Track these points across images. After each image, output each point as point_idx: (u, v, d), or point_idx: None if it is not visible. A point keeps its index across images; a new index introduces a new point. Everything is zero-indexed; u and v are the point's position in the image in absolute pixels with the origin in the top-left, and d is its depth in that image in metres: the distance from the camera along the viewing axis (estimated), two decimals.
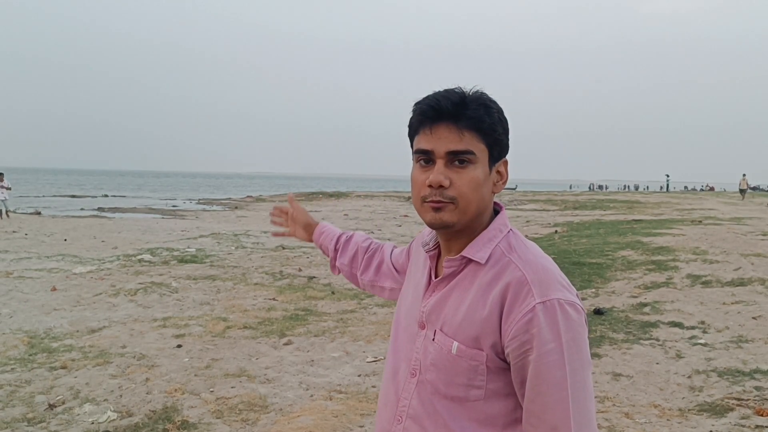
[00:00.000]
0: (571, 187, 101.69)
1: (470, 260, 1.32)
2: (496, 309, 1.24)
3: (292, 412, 4.65)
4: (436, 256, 1.42)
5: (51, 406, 4.74)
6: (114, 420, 4.49)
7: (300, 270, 11.31)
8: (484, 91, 1.32)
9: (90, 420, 4.49)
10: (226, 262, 12.19)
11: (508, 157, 1.37)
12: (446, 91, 1.30)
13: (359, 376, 5.52)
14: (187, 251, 13.76)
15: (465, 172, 1.27)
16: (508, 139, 1.34)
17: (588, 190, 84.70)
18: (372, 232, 19.92)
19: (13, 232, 17.69)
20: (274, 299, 8.74)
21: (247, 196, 53.28)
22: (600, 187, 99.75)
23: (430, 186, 1.27)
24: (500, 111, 1.32)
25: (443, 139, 1.27)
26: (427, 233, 1.50)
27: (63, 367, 5.65)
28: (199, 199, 50.43)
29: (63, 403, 4.83)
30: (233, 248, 14.74)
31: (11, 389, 5.08)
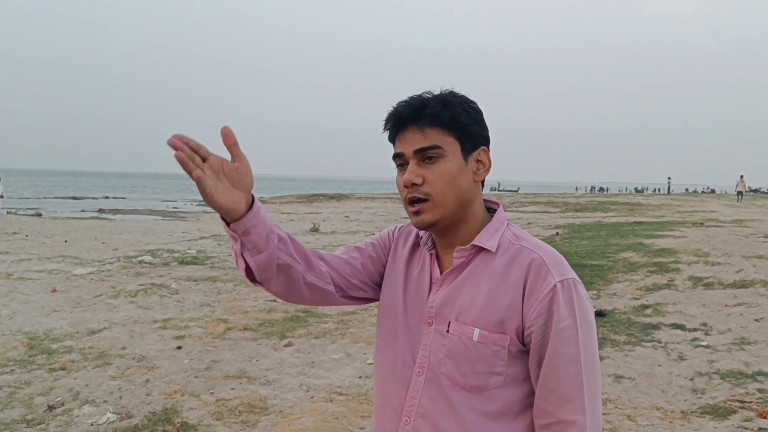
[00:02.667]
0: (576, 189, 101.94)
1: (480, 249, 1.36)
2: (518, 292, 1.29)
3: (292, 414, 4.63)
4: (436, 254, 1.44)
5: (50, 408, 4.72)
6: (113, 421, 4.47)
7: None
8: (451, 90, 1.37)
9: (89, 422, 4.46)
10: (227, 264, 12.16)
11: (486, 148, 1.40)
12: (410, 97, 1.36)
13: (360, 377, 5.50)
14: (187, 253, 13.74)
15: (435, 166, 1.32)
16: (481, 129, 1.38)
17: (588, 192, 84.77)
18: (373, 234, 19.89)
19: (14, 233, 17.68)
20: (274, 301, 8.70)
21: None
22: (601, 189, 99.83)
23: (406, 186, 1.33)
24: (466, 103, 1.35)
25: (410, 141, 1.33)
26: (413, 232, 1.53)
27: (62, 369, 5.62)
28: (200, 201, 50.44)
29: (62, 404, 4.80)
30: None
31: (10, 390, 5.06)
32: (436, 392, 1.33)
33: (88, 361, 5.87)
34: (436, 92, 1.36)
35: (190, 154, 1.13)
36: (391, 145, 1.40)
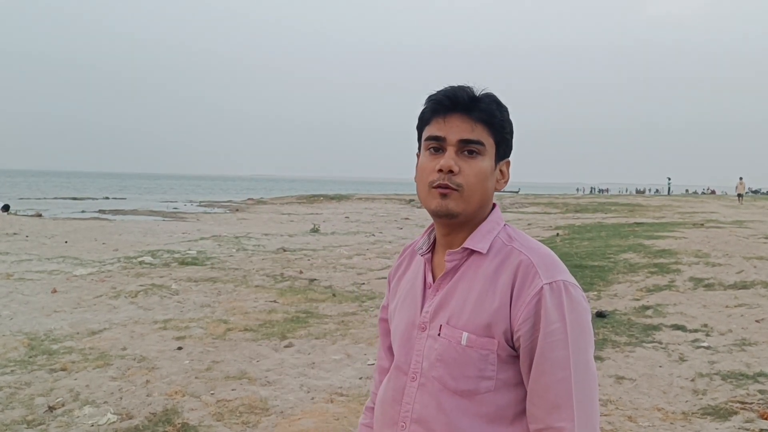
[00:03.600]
0: (577, 190, 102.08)
1: (472, 252, 1.35)
2: (506, 295, 1.27)
3: (293, 415, 4.62)
4: (431, 259, 1.44)
5: (51, 409, 4.71)
6: (114, 422, 4.46)
7: (301, 272, 11.29)
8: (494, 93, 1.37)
9: (90, 422, 4.46)
10: (227, 265, 12.17)
11: (510, 160, 1.42)
12: (460, 86, 1.34)
13: (360, 378, 5.49)
14: (188, 253, 13.74)
15: (474, 162, 1.31)
16: (512, 141, 1.39)
17: (589, 193, 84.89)
18: (373, 235, 19.91)
19: (14, 234, 17.68)
20: (275, 301, 8.71)
21: (248, 199, 53.35)
22: (601, 190, 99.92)
23: (439, 171, 1.30)
24: (508, 112, 1.37)
25: (456, 128, 1.31)
26: (409, 249, 1.55)
27: (63, 369, 5.62)
28: (200, 202, 50.45)
29: (63, 405, 4.80)
30: (234, 250, 14.73)
31: (11, 391, 5.06)
32: (429, 397, 1.32)
33: (88, 361, 5.87)
34: (477, 89, 1.35)
35: None
36: (416, 128, 1.40)
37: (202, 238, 17.45)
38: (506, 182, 1.40)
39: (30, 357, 6.00)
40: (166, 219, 28.72)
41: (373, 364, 5.82)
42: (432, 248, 1.43)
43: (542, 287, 1.24)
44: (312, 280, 10.52)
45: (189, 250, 14.49)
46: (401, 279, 1.52)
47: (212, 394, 5.05)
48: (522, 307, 1.25)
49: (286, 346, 6.47)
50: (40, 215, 27.68)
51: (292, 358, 6.09)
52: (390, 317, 1.53)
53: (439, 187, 1.30)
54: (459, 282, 1.34)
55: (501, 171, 1.38)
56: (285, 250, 14.81)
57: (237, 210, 37.47)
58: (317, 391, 5.17)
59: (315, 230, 20.49)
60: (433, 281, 1.40)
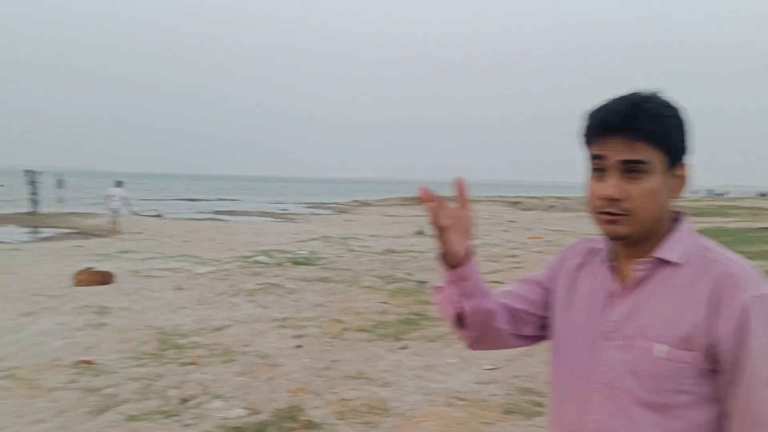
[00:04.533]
0: (693, 193, 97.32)
1: (662, 262, 1.29)
2: (706, 307, 1.22)
3: (414, 417, 4.64)
4: (616, 268, 1.38)
5: (183, 401, 4.96)
6: (243, 417, 4.64)
7: (410, 274, 11.34)
8: (660, 95, 1.29)
9: (220, 415, 4.66)
10: (337, 265, 12.41)
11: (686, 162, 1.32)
12: (614, 102, 1.29)
13: (477, 383, 5.44)
14: (299, 253, 14.13)
15: (640, 182, 1.26)
16: (686, 142, 1.31)
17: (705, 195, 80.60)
18: (478, 237, 19.74)
19: (138, 233, 18.81)
20: (386, 303, 8.79)
21: (353, 200, 54.24)
22: (719, 194, 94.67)
23: (601, 198, 1.27)
24: (675, 116, 1.28)
25: (615, 150, 1.26)
26: (583, 249, 1.48)
27: (192, 363, 5.90)
28: (308, 203, 51.75)
29: (194, 398, 5.04)
30: (343, 251, 15.01)
31: (146, 383, 5.36)
32: (617, 409, 1.29)
33: (214, 356, 6.13)
34: (643, 94, 1.28)
35: (436, 207, 1.35)
36: (584, 142, 1.34)
37: (311, 239, 17.90)
38: (685, 186, 1.32)
39: (161, 351, 6.34)
40: (276, 220, 29.69)
41: (489, 369, 5.76)
42: (613, 257, 1.39)
43: (747, 301, 1.18)
44: (421, 282, 10.55)
45: (300, 250, 14.90)
46: (575, 277, 1.46)
47: (333, 392, 5.15)
48: (725, 321, 1.19)
49: (401, 348, 6.51)
50: (160, 215, 29.30)
51: (407, 359, 6.12)
52: (556, 311, 1.47)
53: (605, 213, 1.28)
54: (650, 292, 1.29)
55: (677, 176, 1.30)
56: (392, 252, 14.94)
57: (343, 211, 38.21)
58: (435, 394, 5.16)
59: (421, 232, 20.55)
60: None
